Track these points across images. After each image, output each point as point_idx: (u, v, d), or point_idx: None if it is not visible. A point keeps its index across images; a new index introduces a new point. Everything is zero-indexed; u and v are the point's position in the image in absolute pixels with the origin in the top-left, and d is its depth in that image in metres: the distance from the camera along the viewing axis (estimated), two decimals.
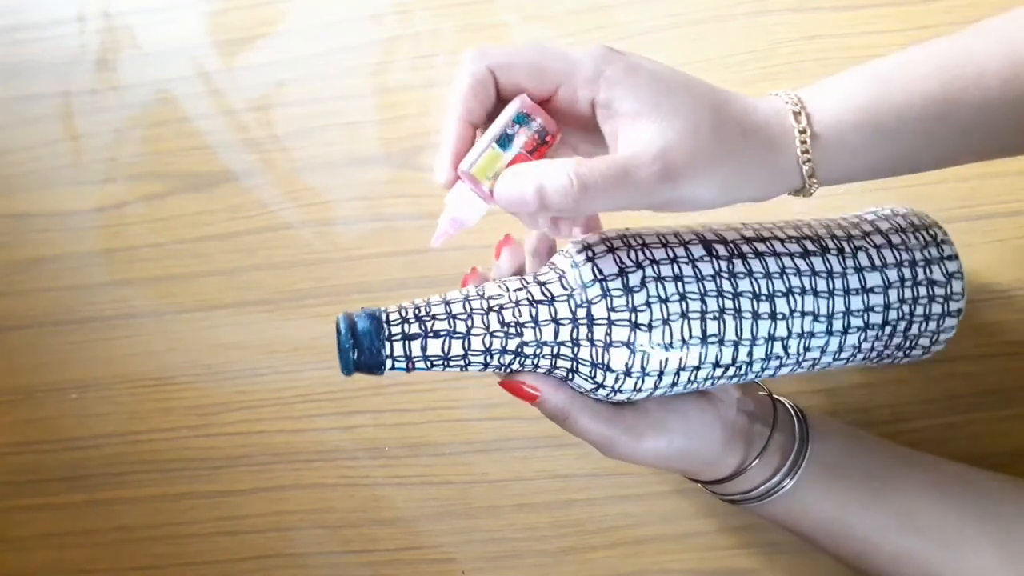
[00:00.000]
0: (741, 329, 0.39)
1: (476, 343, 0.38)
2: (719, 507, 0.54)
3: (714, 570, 0.55)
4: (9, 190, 0.62)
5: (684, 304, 0.38)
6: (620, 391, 0.39)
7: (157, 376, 0.60)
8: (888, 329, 0.43)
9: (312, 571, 0.59)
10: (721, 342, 0.39)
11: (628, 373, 0.38)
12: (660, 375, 0.39)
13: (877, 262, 0.43)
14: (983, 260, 0.52)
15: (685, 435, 0.42)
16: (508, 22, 0.57)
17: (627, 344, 0.38)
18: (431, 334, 0.38)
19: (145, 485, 0.60)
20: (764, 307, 0.40)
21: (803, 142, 0.36)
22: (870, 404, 0.53)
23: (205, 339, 0.60)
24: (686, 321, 0.38)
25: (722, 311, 0.39)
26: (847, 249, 0.43)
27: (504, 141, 0.35)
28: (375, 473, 0.58)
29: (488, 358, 0.39)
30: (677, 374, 0.39)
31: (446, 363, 0.39)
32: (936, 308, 0.44)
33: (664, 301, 0.38)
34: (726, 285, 0.39)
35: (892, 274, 0.43)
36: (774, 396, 0.47)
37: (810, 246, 0.42)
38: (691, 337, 0.38)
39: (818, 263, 0.41)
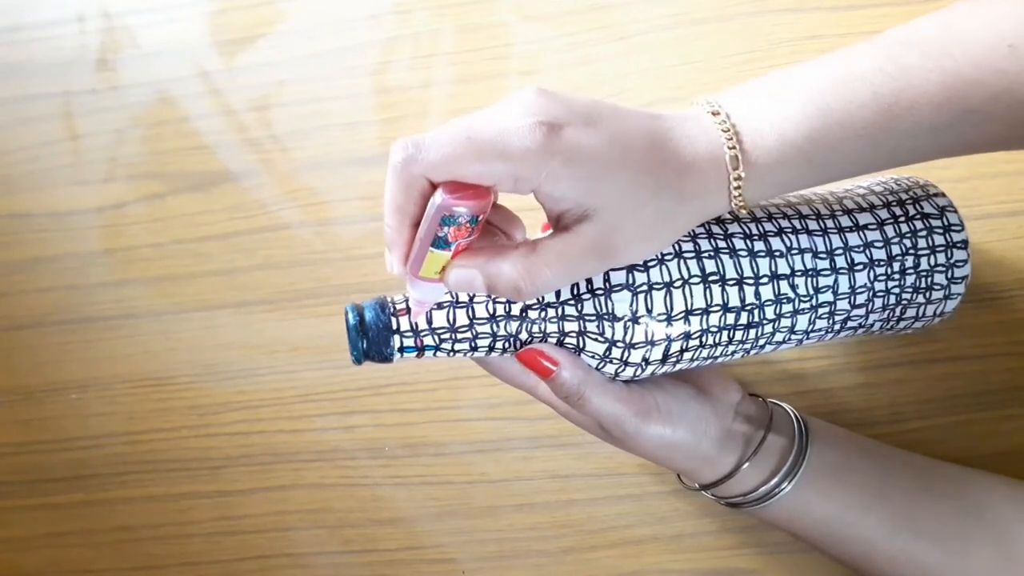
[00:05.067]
0: (740, 266, 0.39)
1: (480, 310, 0.39)
2: (719, 507, 0.54)
3: (714, 570, 0.55)
4: (9, 190, 0.62)
5: (677, 246, 0.39)
6: (633, 346, 0.39)
7: (157, 376, 0.60)
8: (897, 265, 0.43)
9: (312, 571, 0.59)
10: (723, 280, 0.39)
11: (635, 319, 0.38)
12: (668, 319, 0.38)
13: (864, 204, 0.43)
14: (983, 260, 0.52)
15: (685, 424, 0.42)
16: (508, 22, 0.57)
17: (627, 286, 0.38)
18: (435, 306, 0.39)
19: (145, 485, 0.61)
20: (759, 245, 0.40)
21: (737, 187, 0.36)
22: (870, 404, 0.53)
23: (205, 339, 0.60)
24: (681, 260, 0.39)
25: (716, 250, 0.39)
26: (830, 198, 0.43)
27: (439, 243, 0.35)
28: (375, 473, 0.58)
29: (495, 326, 0.39)
30: (687, 319, 0.39)
31: (454, 337, 0.39)
32: (939, 239, 0.43)
33: None
34: (716, 228, 0.40)
35: (883, 213, 0.43)
36: (773, 401, 0.47)
37: (792, 198, 0.43)
38: (690, 276, 0.39)
39: (804, 209, 0.42)
